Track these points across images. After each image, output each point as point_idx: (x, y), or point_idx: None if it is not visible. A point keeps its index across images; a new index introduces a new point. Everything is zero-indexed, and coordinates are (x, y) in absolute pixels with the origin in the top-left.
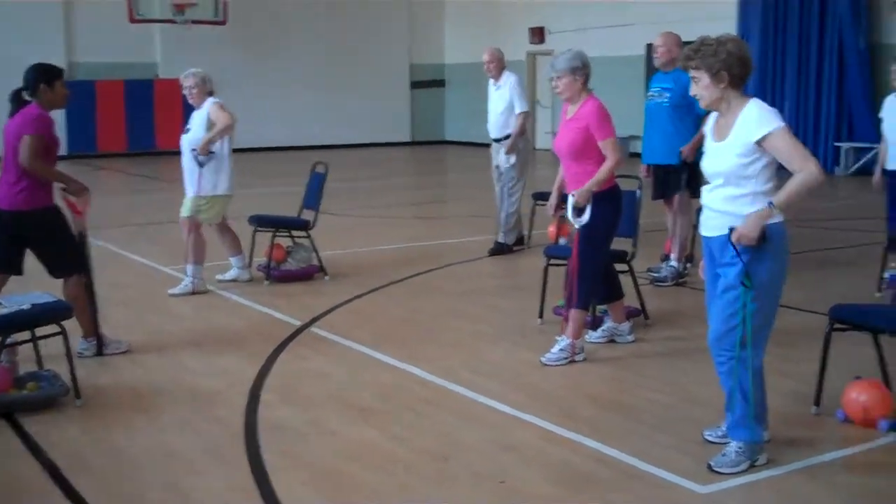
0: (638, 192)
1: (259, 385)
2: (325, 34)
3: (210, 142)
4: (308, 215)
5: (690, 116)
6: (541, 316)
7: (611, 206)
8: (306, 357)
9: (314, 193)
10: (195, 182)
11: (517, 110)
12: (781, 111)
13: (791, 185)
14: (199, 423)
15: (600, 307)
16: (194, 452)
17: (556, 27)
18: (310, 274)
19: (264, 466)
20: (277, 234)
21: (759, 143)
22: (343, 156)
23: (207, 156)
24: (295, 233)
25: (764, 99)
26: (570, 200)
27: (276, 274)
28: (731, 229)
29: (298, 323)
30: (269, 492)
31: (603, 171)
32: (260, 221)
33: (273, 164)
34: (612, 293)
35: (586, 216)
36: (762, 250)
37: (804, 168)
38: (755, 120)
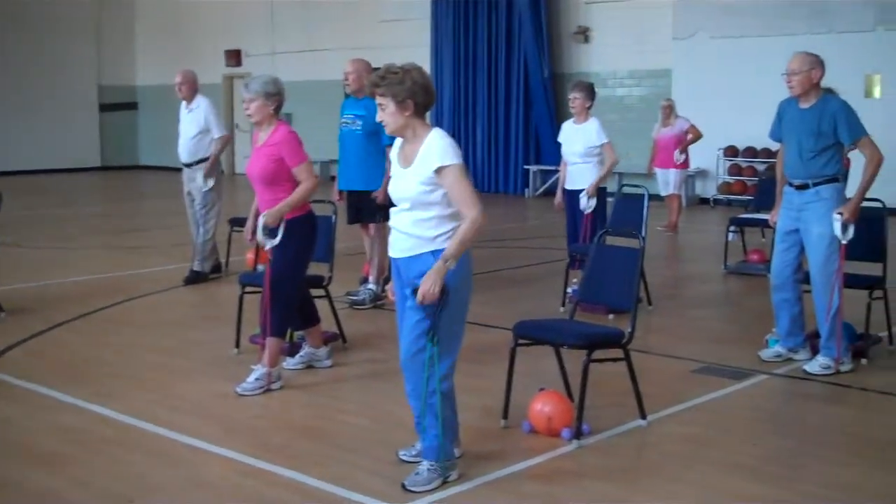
0: (333, 217)
1: None
2: (6, 54)
3: None
4: None
5: (383, 143)
6: (237, 346)
7: (304, 232)
8: None
9: None
10: None
11: (216, 135)
12: (474, 136)
13: (459, 236)
14: None
15: (297, 333)
16: None
17: (253, 50)
18: None
19: None
20: None
21: (436, 172)
22: (26, 183)
23: None
24: None
25: (457, 126)
26: (261, 221)
27: None
28: (414, 290)
29: None
30: None
31: (297, 193)
32: None
33: None
34: (309, 319)
35: (278, 237)
36: (446, 305)
37: (468, 214)
38: (436, 150)
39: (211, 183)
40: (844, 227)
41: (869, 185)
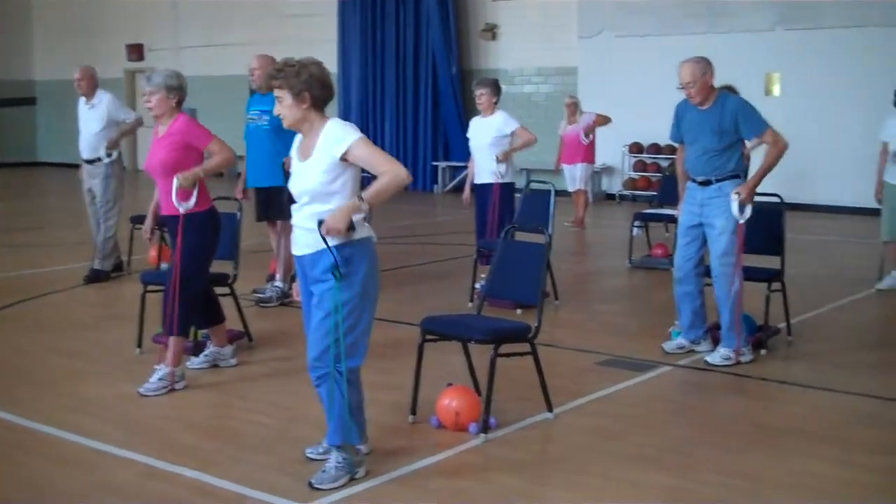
0: (237, 213)
1: None
2: None
3: None
4: None
5: (291, 138)
6: (139, 345)
7: (207, 228)
8: None
9: None
10: None
11: (129, 119)
12: (382, 133)
13: (379, 183)
14: None
15: (202, 332)
16: None
17: (156, 45)
18: None
19: None
20: None
21: (343, 157)
22: None
23: None
24: None
25: (365, 122)
26: (175, 183)
27: None
28: (320, 222)
29: None
30: None
31: (215, 160)
32: None
33: None
34: (213, 317)
35: (192, 201)
36: (351, 239)
37: (390, 170)
38: (335, 137)
39: (115, 155)
40: (742, 208)
41: (769, 169)
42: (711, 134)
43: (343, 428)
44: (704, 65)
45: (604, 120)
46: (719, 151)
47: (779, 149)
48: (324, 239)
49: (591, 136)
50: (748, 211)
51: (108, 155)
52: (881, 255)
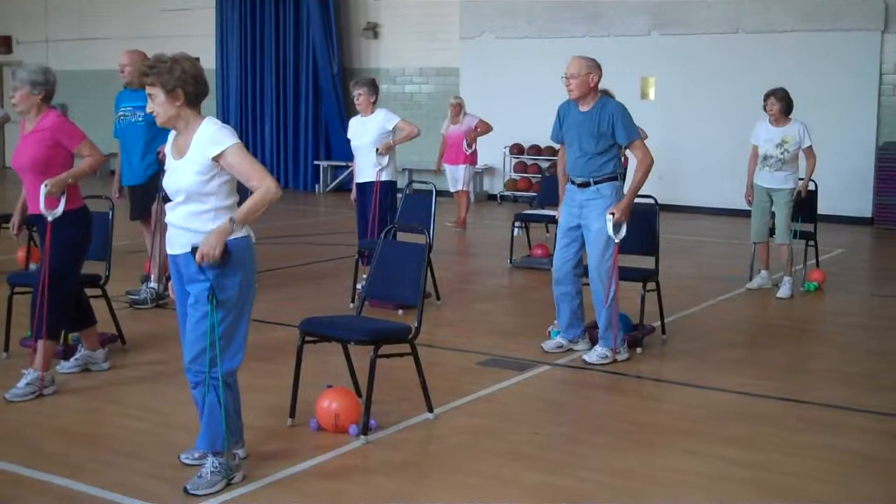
0: (110, 213)
1: None
2: None
3: None
4: None
5: (166, 133)
6: (6, 349)
7: (77, 228)
8: None
9: None
10: None
11: None
12: (262, 132)
13: (250, 202)
14: None
15: (73, 335)
16: None
17: (25, 37)
18: None
19: None
20: None
21: (215, 159)
22: None
23: None
24: None
25: (245, 120)
26: (43, 189)
27: None
28: (195, 249)
29: None
30: None
31: (84, 164)
32: None
33: None
34: (84, 320)
35: (60, 208)
36: (228, 266)
37: (262, 184)
38: (210, 137)
39: None
40: (617, 227)
41: (639, 187)
42: (590, 136)
43: (215, 434)
44: (591, 64)
45: (485, 128)
46: (598, 154)
47: (646, 165)
48: (200, 268)
49: (473, 145)
50: (623, 230)
51: None
52: (751, 255)
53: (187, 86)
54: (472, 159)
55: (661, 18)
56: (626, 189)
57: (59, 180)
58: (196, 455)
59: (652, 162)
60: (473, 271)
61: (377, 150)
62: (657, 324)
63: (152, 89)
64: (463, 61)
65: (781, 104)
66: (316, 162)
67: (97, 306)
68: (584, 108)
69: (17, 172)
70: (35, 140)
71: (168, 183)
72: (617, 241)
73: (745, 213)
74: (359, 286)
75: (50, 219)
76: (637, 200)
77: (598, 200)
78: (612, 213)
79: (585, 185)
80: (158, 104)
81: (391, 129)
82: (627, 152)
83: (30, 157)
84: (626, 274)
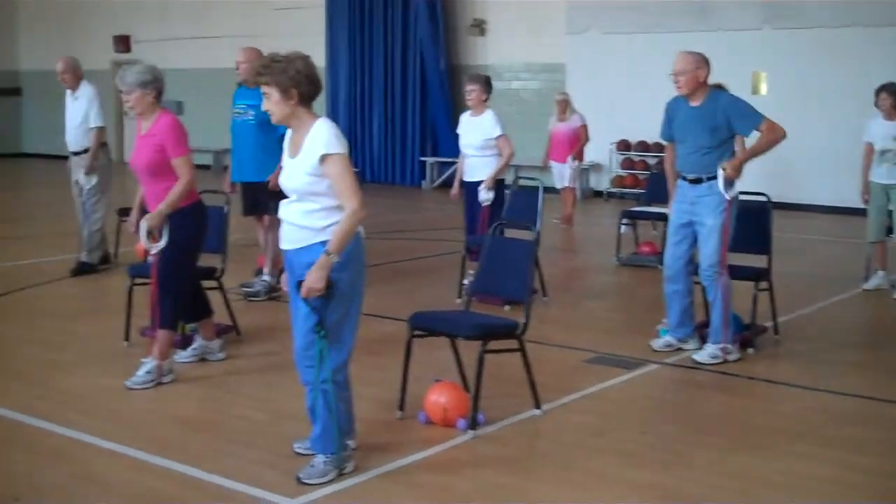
0: (225, 207)
1: None
2: None
3: None
4: None
5: (277, 133)
6: (127, 338)
7: (194, 222)
8: None
9: None
10: None
11: (91, 124)
12: (370, 128)
13: (340, 230)
14: None
15: (190, 326)
16: None
17: (142, 36)
18: None
19: None
20: None
21: (320, 161)
22: None
23: None
24: None
25: (353, 117)
26: (143, 226)
27: None
28: (299, 283)
29: None
30: None
31: (175, 192)
32: None
33: None
34: (201, 311)
35: (163, 241)
36: (333, 298)
37: (349, 205)
38: (321, 139)
39: (93, 180)
40: (728, 184)
41: (759, 151)
42: (703, 131)
43: (328, 440)
44: (699, 59)
45: (584, 140)
46: (711, 149)
47: (776, 135)
48: (305, 301)
49: (577, 160)
50: (735, 188)
51: (87, 179)
52: (867, 255)
53: (301, 85)
54: (577, 165)
55: (772, 12)
56: (739, 185)
57: (157, 215)
58: (309, 444)
59: (784, 134)
60: (580, 268)
61: (484, 184)
62: (769, 324)
63: (267, 88)
64: (569, 57)
65: (893, 98)
66: (422, 158)
67: (213, 298)
68: (695, 104)
69: (134, 171)
70: (148, 144)
71: (283, 180)
72: (728, 197)
73: (861, 212)
74: (465, 281)
75: (153, 252)
76: (749, 198)
77: (709, 197)
78: (724, 168)
79: (697, 181)
80: (273, 103)
81: (494, 137)
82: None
83: (145, 161)
84: (737, 273)
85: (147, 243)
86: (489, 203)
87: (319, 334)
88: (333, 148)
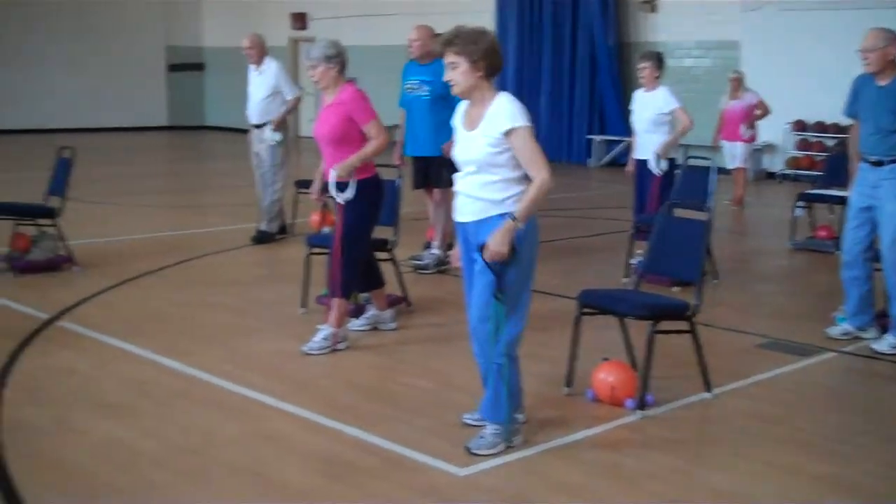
0: (398, 181)
1: (1, 383)
2: (76, 13)
3: None
4: (54, 202)
5: (450, 108)
6: (303, 305)
7: (371, 194)
8: (53, 352)
9: (60, 180)
10: None
11: (288, 96)
12: (538, 104)
13: (528, 197)
14: None
15: (363, 295)
16: None
17: (318, 13)
18: (58, 264)
19: (7, 469)
20: (21, 222)
21: (505, 134)
22: (96, 140)
23: None
24: (41, 221)
25: (521, 93)
26: (332, 174)
27: (20, 265)
28: (482, 246)
29: (45, 316)
30: (12, 495)
31: (369, 147)
32: None
33: (18, 147)
34: (374, 281)
35: (350, 192)
36: (514, 261)
37: (538, 175)
38: (505, 113)
39: (279, 136)
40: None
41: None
42: (887, 112)
43: (498, 409)
44: (889, 36)
45: (763, 112)
46: (893, 132)
47: None
48: (486, 264)
49: (751, 129)
50: None
51: (273, 136)
52: None
53: (489, 58)
54: (751, 136)
55: None
56: None
57: (348, 164)
58: (478, 416)
59: None
60: (751, 251)
61: (657, 153)
62: None
63: (456, 58)
64: (743, 34)
65: None
66: (589, 136)
67: (385, 269)
68: (882, 83)
69: (317, 142)
70: (333, 113)
71: (459, 153)
72: None
73: None
74: (633, 261)
75: (341, 201)
76: None
77: (891, 181)
78: None
79: (879, 163)
80: (460, 73)
81: (668, 111)
82: None
83: (329, 129)
84: None
85: (335, 193)
86: (662, 173)
87: (500, 300)
88: (520, 121)
